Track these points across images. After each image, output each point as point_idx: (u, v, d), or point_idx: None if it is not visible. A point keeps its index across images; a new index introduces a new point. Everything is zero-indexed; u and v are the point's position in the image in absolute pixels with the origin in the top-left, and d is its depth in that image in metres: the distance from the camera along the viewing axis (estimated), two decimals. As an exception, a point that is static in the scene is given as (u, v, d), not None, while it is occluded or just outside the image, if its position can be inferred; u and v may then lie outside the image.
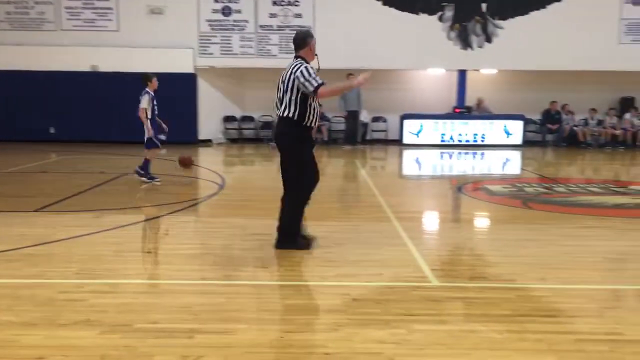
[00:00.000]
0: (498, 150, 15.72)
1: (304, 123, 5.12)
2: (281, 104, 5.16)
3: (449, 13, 16.26)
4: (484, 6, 16.24)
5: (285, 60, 15.90)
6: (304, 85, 4.99)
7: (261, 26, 16.34)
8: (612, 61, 15.76)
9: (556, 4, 15.86)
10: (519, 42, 15.89)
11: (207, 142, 16.54)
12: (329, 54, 16.15)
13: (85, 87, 15.70)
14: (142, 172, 9.23)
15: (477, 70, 16.85)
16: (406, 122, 16.55)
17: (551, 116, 16.84)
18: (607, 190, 9.12)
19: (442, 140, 16.52)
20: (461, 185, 9.75)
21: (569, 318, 3.72)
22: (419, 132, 16.57)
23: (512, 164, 14.06)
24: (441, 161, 14.28)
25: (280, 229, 5.28)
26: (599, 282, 4.58)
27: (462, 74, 16.81)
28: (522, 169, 12.83)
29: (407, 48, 16.07)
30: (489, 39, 16.28)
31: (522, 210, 7.64)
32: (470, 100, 16.94)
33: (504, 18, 16.13)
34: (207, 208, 7.84)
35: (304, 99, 5.07)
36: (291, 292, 4.26)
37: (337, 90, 5.48)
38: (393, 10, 16.14)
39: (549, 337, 3.38)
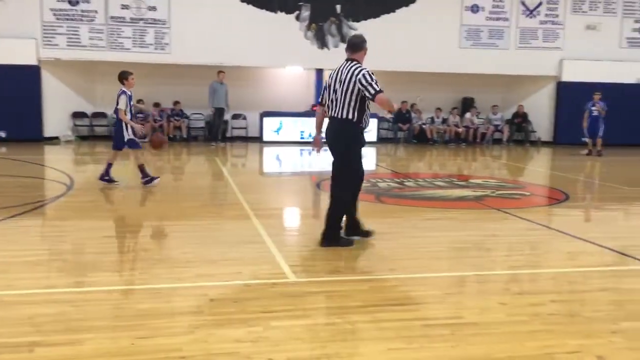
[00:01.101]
0: (354, 147, 16.27)
1: (361, 125, 5.25)
2: (336, 105, 5.23)
3: (305, 13, 16.59)
4: (338, 8, 16.77)
5: (140, 55, 15.57)
6: (365, 88, 5.11)
7: (112, 17, 15.54)
8: (454, 64, 17.03)
9: (405, 8, 16.80)
10: (371, 44, 16.45)
11: (53, 140, 15.42)
12: (185, 49, 15.95)
13: None
14: (107, 177, 8.69)
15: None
16: (266, 120, 16.63)
17: (402, 115, 17.79)
18: (451, 184, 9.83)
19: (302, 138, 16.81)
20: (320, 182, 9.99)
21: (415, 305, 3.96)
22: (278, 129, 16.73)
23: (367, 160, 14.66)
24: (301, 158, 14.55)
25: (328, 227, 5.38)
26: (442, 270, 4.92)
27: (320, 73, 17.23)
28: (377, 165, 13.44)
29: (265, 46, 16.14)
30: (343, 40, 16.83)
31: (375, 204, 8.00)
32: (327, 99, 17.39)
33: (357, 20, 16.77)
34: (53, 210, 7.30)
35: (363, 102, 5.20)
36: (145, 296, 4.10)
37: (390, 104, 5.41)
38: (251, 8, 16.14)
39: (397, 325, 3.56)
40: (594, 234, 6.24)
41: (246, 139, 16.99)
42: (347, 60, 5.38)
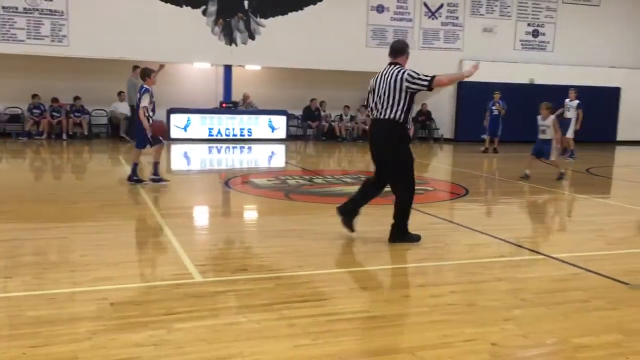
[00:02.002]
0: (264, 145, 16.27)
1: (407, 124, 5.40)
2: (382, 107, 5.37)
3: (212, 8, 16.33)
4: (246, 4, 16.63)
5: (35, 47, 14.71)
6: (417, 84, 5.24)
7: (4, 7, 14.59)
8: (360, 62, 17.34)
9: (312, 6, 16.93)
10: (280, 41, 16.61)
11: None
12: (85, 41, 15.24)
13: None
14: (135, 177, 8.63)
15: (242, 66, 17.22)
16: (173, 117, 16.23)
17: (311, 112, 17.93)
18: (358, 180, 9.99)
19: (210, 135, 16.55)
20: (228, 179, 9.87)
21: (322, 301, 3.99)
22: (186, 126, 16.37)
23: (277, 157, 14.67)
24: (209, 155, 14.32)
25: (394, 223, 5.53)
26: (350, 266, 5.00)
27: (228, 69, 17.04)
28: (286, 162, 13.47)
29: (171, 40, 15.75)
30: (252, 36, 16.74)
31: (284, 202, 8.01)
32: (236, 96, 17.24)
33: (265, 16, 16.72)
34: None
35: (409, 102, 5.35)
36: (39, 302, 3.87)
37: (455, 77, 5.84)
38: (156, 1, 15.67)
39: (303, 321, 3.58)
40: (491, 226, 6.56)
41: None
42: (389, 64, 5.55)
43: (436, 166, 13.99)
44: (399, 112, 5.36)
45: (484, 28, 18.61)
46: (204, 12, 16.25)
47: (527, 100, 14.88)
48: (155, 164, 8.79)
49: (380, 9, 17.70)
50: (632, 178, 11.95)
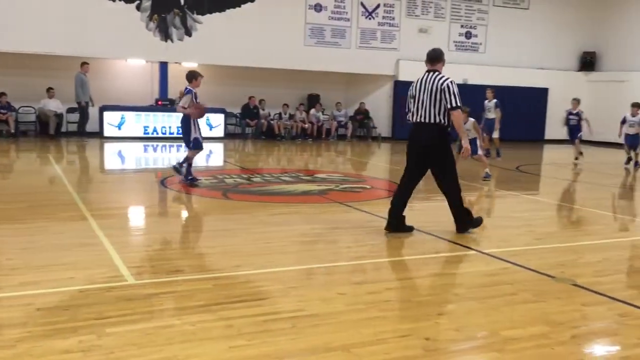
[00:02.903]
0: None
1: (449, 127, 5.86)
2: (425, 112, 5.81)
3: (146, 3, 15.94)
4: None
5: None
6: (448, 99, 5.71)
7: None
8: (299, 61, 17.39)
9: (250, 4, 16.80)
10: (217, 38, 16.41)
11: None
12: (10, 35, 14.57)
13: None
14: (190, 177, 8.72)
15: (179, 63, 16.90)
16: (106, 114, 15.75)
17: (250, 111, 17.80)
18: (297, 179, 10.02)
19: (146, 133, 16.17)
20: (165, 179, 9.67)
21: (259, 301, 3.96)
22: (120, 124, 15.93)
23: (214, 156, 14.48)
24: (145, 154, 13.99)
25: (457, 218, 6.07)
26: (287, 265, 4.98)
27: (164, 66, 16.69)
28: (224, 161, 13.32)
29: (104, 36, 15.29)
30: (188, 33, 16.45)
31: (221, 201, 7.92)
32: (173, 93, 16.90)
33: (202, 13, 16.46)
34: None
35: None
36: (-41, 310, 3.67)
37: (461, 126, 6.04)
38: (88, -5, 15.18)
39: (240, 322, 3.54)
40: (427, 223, 6.69)
41: (84, 135, 15.91)
42: (428, 71, 5.98)
43: (374, 164, 14.17)
44: (441, 116, 5.82)
45: (419, 29, 18.99)
46: (138, 8, 15.83)
47: (462, 99, 15.25)
48: (189, 165, 8.85)
49: (318, 7, 17.76)
50: (559, 175, 12.48)
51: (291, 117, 18.28)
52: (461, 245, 5.77)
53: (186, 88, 8.67)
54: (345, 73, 18.61)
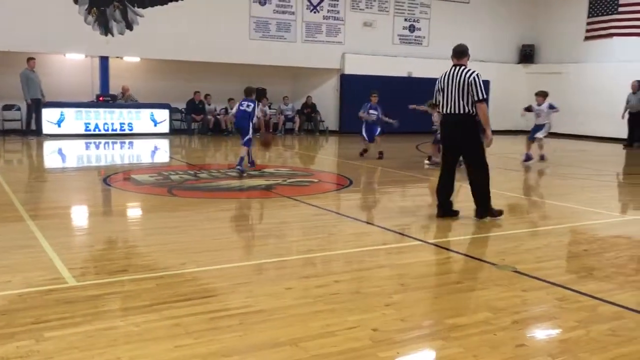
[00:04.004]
0: (146, 139, 15.71)
1: (477, 117, 6.29)
2: (455, 103, 6.28)
3: (85, -4, 15.45)
4: (122, -8, 15.92)
5: None
6: (475, 91, 6.18)
7: None
8: (244, 54, 17.23)
9: (193, -4, 16.53)
10: (160, 31, 16.07)
11: None
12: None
13: None
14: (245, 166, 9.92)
15: (120, 57, 16.48)
16: (45, 111, 15.19)
17: (195, 105, 17.54)
18: (246, 174, 9.93)
19: (87, 130, 15.72)
20: (108, 177, 9.43)
21: (205, 299, 3.91)
22: (60, 121, 15.41)
23: (160, 152, 14.22)
24: (87, 152, 13.60)
25: (479, 202, 6.47)
26: (234, 261, 4.94)
27: (105, 60, 16.24)
28: (171, 157, 13.09)
29: (40, 30, 14.74)
30: (129, 26, 16.04)
31: (167, 198, 7.77)
32: (114, 89, 16.48)
33: (143, 6, 16.07)
34: None
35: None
36: None
37: (487, 118, 6.38)
38: (22, -13, 14.59)
39: (186, 320, 3.49)
40: (374, 215, 6.78)
41: (22, 132, 15.34)
42: (455, 65, 6.45)
43: (322, 158, 14.22)
44: (469, 106, 6.27)
45: (364, 22, 19.12)
46: (76, 1, 15.33)
47: (406, 92, 15.45)
48: (242, 158, 9.86)
49: (262, 1, 17.62)
50: (501, 165, 12.81)
51: (238, 111, 18.07)
52: (407, 236, 5.85)
53: (253, 101, 10.06)
54: (291, 67, 18.56)
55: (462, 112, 6.33)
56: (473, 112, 6.31)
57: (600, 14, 19.50)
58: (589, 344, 3.33)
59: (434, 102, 6.80)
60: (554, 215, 7.02)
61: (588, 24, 19.84)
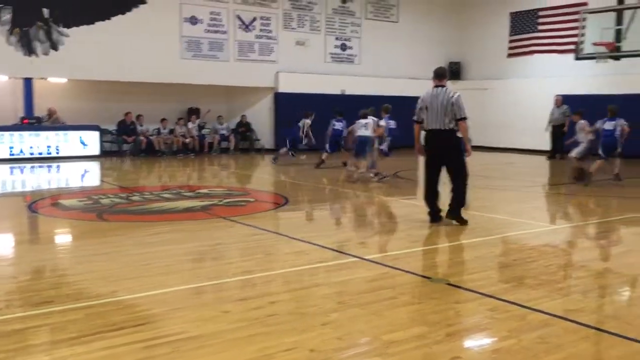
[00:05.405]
0: (75, 162, 15.19)
1: (458, 132, 7.09)
2: (439, 120, 7.03)
3: (6, 16, 14.87)
4: (46, 12, 15.39)
5: None
6: (457, 110, 6.97)
7: None
8: (176, 74, 17.01)
9: (120, 16, 16.19)
10: (87, 52, 15.65)
11: None
12: None
13: None
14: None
15: (45, 78, 15.92)
16: (-36, 135, 14.46)
17: (126, 127, 17.12)
18: (179, 196, 9.75)
19: (11, 154, 15.05)
20: (34, 202, 9.03)
21: (137, 327, 3.78)
22: (-19, 145, 14.68)
23: (90, 175, 13.78)
24: (12, 177, 13.00)
25: (452, 205, 7.21)
26: (168, 286, 4.80)
27: (28, 82, 15.65)
28: (102, 181, 12.70)
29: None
30: (54, 47, 15.53)
31: (96, 223, 7.51)
32: (40, 111, 15.88)
33: (68, 26, 15.61)
34: None
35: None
36: None
37: (467, 134, 7.22)
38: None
39: (117, 351, 3.36)
40: (310, 233, 6.77)
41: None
42: (436, 86, 7.18)
43: (258, 177, 14.15)
44: (453, 123, 7.03)
45: (296, 41, 19.28)
46: (-3, 21, 14.73)
47: (340, 110, 15.50)
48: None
49: (193, 20, 17.48)
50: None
51: (171, 132, 17.79)
52: (345, 253, 5.88)
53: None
54: (225, 86, 18.45)
55: (446, 128, 7.05)
56: (455, 127, 7.06)
57: (521, 32, 20.45)
58: (520, 352, 3.43)
59: (416, 118, 7.35)
60: (485, 227, 7.23)
61: (510, 41, 20.75)
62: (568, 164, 12.52)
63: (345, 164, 13.11)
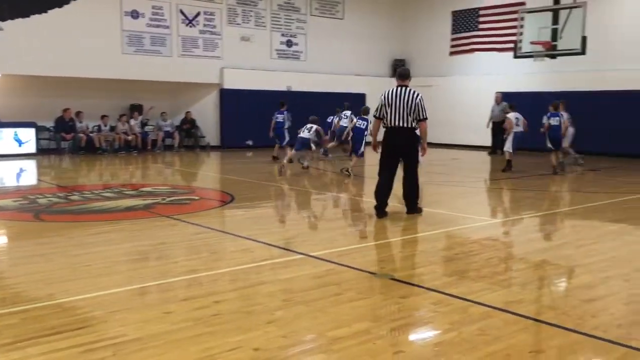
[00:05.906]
0: (10, 161, 14.59)
1: (417, 131, 7.54)
2: (402, 118, 7.37)
3: None
4: (-23, 4, 14.72)
5: None
6: (420, 111, 7.38)
7: None
8: (117, 70, 16.56)
9: (57, 10, 15.63)
10: (22, 46, 15.05)
11: None
12: None
13: None
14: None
15: (-23, 73, 15.23)
16: None
17: (65, 123, 16.56)
18: (120, 194, 9.50)
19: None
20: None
21: (75, 331, 3.65)
22: None
23: (26, 174, 13.27)
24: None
25: (411, 199, 7.67)
26: (108, 288, 4.66)
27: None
28: (39, 180, 12.24)
29: None
30: (-13, 40, 14.87)
31: (33, 223, 7.23)
32: (-28, 107, 15.18)
33: (3, 18, 14.95)
34: None
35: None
36: None
37: (426, 136, 7.61)
38: None
39: (54, 357, 3.24)
40: (256, 231, 6.72)
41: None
42: (399, 86, 7.50)
43: (203, 174, 13.95)
44: (413, 123, 7.44)
45: (241, 37, 19.10)
46: None
47: (288, 106, 15.48)
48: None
49: (134, 14, 17.05)
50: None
51: (112, 129, 17.33)
52: (290, 250, 5.87)
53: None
54: (168, 82, 18.10)
55: (408, 126, 7.42)
56: (415, 126, 7.47)
57: (462, 30, 20.91)
58: (461, 344, 3.50)
59: (377, 115, 7.56)
60: (429, 222, 7.36)
61: (452, 39, 21.20)
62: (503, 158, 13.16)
63: (276, 158, 13.79)
